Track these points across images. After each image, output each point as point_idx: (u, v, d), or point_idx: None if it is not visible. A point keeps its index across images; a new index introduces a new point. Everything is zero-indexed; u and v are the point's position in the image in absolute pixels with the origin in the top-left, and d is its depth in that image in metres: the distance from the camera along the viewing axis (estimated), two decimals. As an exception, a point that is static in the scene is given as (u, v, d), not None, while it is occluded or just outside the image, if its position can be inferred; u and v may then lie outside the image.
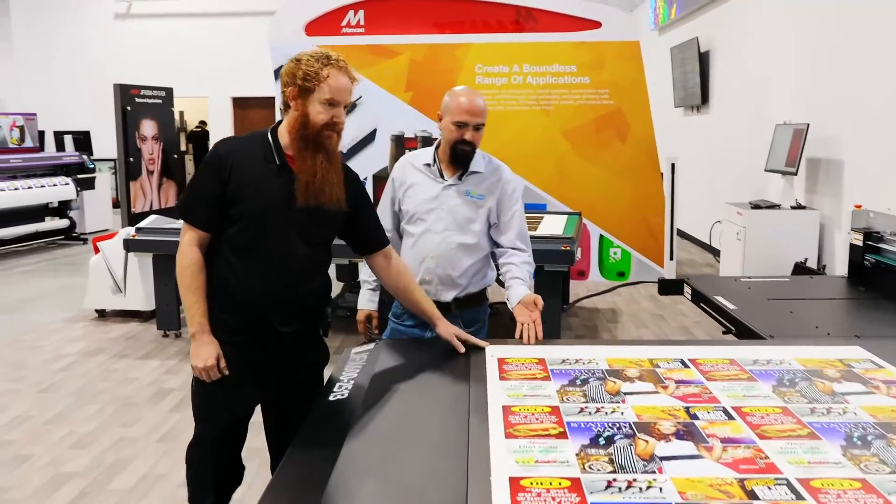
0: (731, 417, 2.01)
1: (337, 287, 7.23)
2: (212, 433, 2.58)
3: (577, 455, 1.78)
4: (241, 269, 2.42)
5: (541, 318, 2.76)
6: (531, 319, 2.74)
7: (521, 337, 2.71)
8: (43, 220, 10.64)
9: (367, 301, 3.13)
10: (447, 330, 2.67)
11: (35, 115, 11.56)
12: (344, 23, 7.64)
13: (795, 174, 6.79)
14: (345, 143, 7.59)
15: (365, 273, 3.12)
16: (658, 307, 7.16)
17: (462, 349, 2.61)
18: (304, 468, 1.83)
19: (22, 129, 11.11)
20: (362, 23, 7.63)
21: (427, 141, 7.42)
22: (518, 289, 2.87)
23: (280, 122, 2.50)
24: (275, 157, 2.43)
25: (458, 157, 2.91)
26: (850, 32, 6.39)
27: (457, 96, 2.88)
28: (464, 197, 2.95)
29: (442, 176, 2.97)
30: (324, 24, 7.67)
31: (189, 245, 2.43)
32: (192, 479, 2.66)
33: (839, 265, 6.39)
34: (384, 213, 3.08)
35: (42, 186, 10.29)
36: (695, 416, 2.02)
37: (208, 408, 2.56)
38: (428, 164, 2.99)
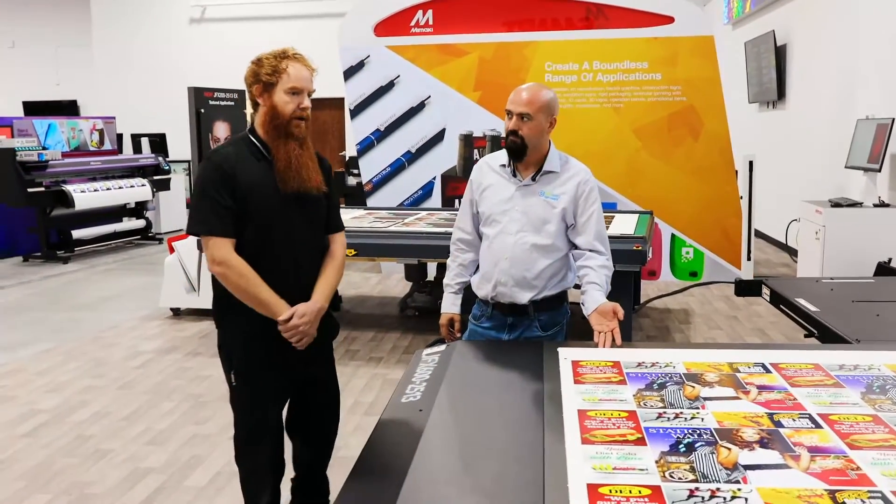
0: (818, 426, 1.93)
1: (406, 287, 7.26)
2: (258, 425, 2.71)
3: (656, 462, 1.73)
4: (263, 261, 2.58)
5: (619, 328, 2.69)
6: (608, 328, 2.67)
7: (597, 343, 2.66)
8: (121, 221, 10.95)
9: (449, 305, 3.11)
10: (301, 307, 2.61)
11: (114, 118, 11.91)
12: (413, 22, 7.66)
13: (879, 171, 6.54)
14: (414, 142, 7.64)
15: (448, 277, 3.12)
16: (732, 308, 6.98)
17: (285, 315, 2.57)
18: (377, 474, 1.82)
19: (101, 132, 11.46)
20: (431, 22, 7.64)
21: (495, 140, 7.39)
22: (594, 294, 2.79)
23: (253, 123, 2.66)
24: (263, 152, 2.61)
25: (508, 149, 2.88)
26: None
27: (515, 89, 2.88)
28: (538, 197, 2.90)
29: (516, 176, 2.94)
30: (393, 25, 7.70)
31: (231, 253, 2.55)
32: (247, 478, 2.77)
33: (926, 266, 6.14)
34: (464, 216, 3.08)
35: (120, 188, 10.58)
36: (779, 424, 1.94)
37: (252, 400, 2.70)
38: (503, 165, 2.97)
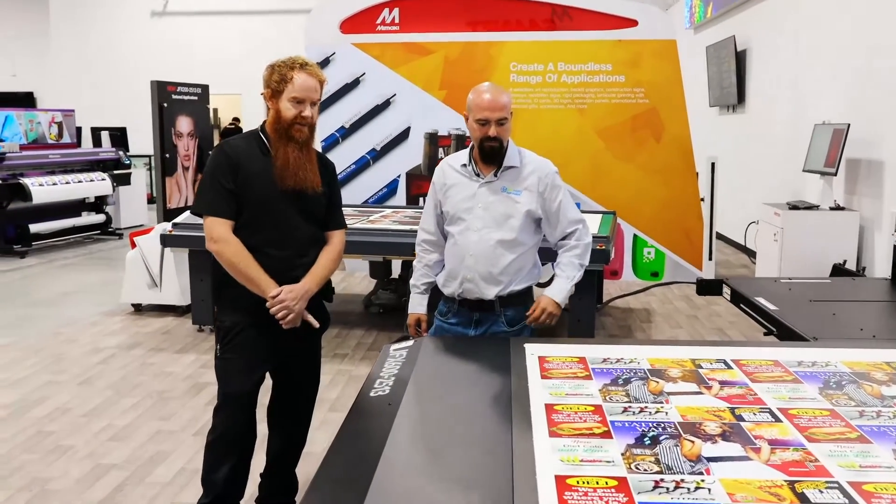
0: (777, 419, 1.99)
1: (370, 284, 7.26)
2: (234, 395, 2.88)
3: (622, 455, 1.77)
4: (257, 244, 2.79)
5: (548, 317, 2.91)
6: (545, 314, 2.89)
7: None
8: (80, 216, 10.77)
9: (417, 305, 3.17)
10: (290, 286, 2.81)
11: (73, 111, 11.72)
12: (379, 21, 7.65)
13: (835, 175, 6.69)
14: (379, 140, 7.65)
15: (414, 278, 3.17)
16: (692, 308, 7.10)
17: (274, 291, 2.76)
18: (347, 465, 1.83)
19: (60, 125, 11.27)
20: (397, 21, 7.65)
21: (460, 139, 7.42)
22: (554, 284, 2.97)
23: (265, 121, 2.91)
24: (269, 148, 2.83)
25: (487, 154, 2.94)
26: (893, 29, 6.29)
27: (477, 94, 2.91)
28: (500, 193, 2.95)
29: (478, 175, 2.98)
30: (359, 22, 7.69)
31: (228, 232, 2.79)
32: (213, 443, 2.92)
33: (879, 267, 6.30)
34: (428, 217, 3.14)
35: (79, 182, 10.42)
36: (740, 418, 2.00)
37: (231, 373, 2.88)
38: (464, 165, 3.02)
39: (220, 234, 2.78)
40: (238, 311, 2.87)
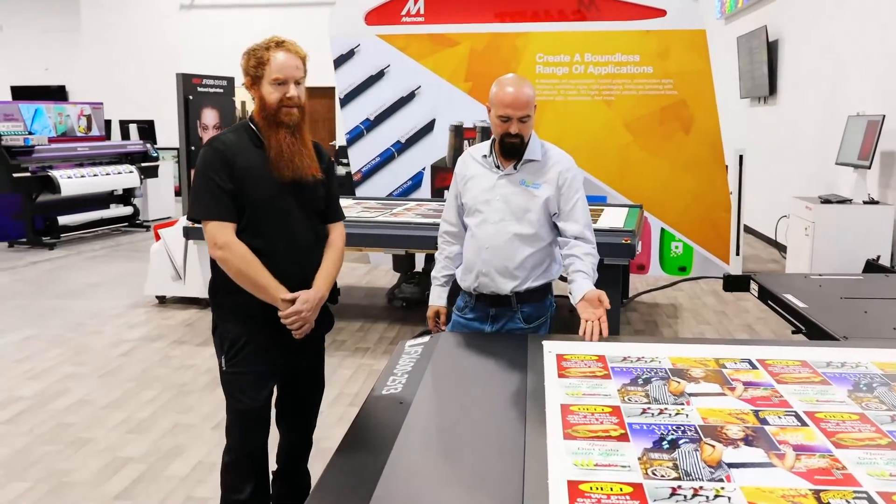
0: (803, 423, 1.90)
1: (393, 278, 7.21)
2: (247, 412, 2.68)
3: (639, 459, 1.70)
4: (260, 247, 2.56)
5: (606, 316, 2.67)
6: (595, 317, 2.65)
7: (583, 334, 2.62)
8: (108, 208, 10.87)
9: (436, 297, 3.09)
10: (304, 294, 2.60)
11: (102, 104, 11.79)
12: (404, 11, 7.59)
13: (869, 168, 6.53)
14: (403, 132, 7.58)
15: (435, 270, 3.11)
16: (720, 303, 6.97)
17: (288, 297, 2.56)
18: (355, 465, 1.78)
19: (89, 117, 11.35)
20: (422, 12, 7.57)
21: (486, 131, 7.34)
22: (581, 283, 2.77)
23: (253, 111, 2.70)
24: (261, 140, 2.61)
25: (507, 150, 2.87)
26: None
27: (500, 89, 2.81)
28: (519, 186, 2.88)
29: (498, 167, 2.91)
30: (384, 14, 7.63)
31: (232, 237, 2.55)
32: (229, 464, 2.74)
33: (914, 263, 6.14)
34: (450, 208, 3.07)
35: (107, 174, 10.48)
36: (764, 421, 1.91)
37: (242, 389, 2.68)
38: (485, 156, 2.94)
39: (224, 239, 2.55)
40: (243, 320, 2.66)
